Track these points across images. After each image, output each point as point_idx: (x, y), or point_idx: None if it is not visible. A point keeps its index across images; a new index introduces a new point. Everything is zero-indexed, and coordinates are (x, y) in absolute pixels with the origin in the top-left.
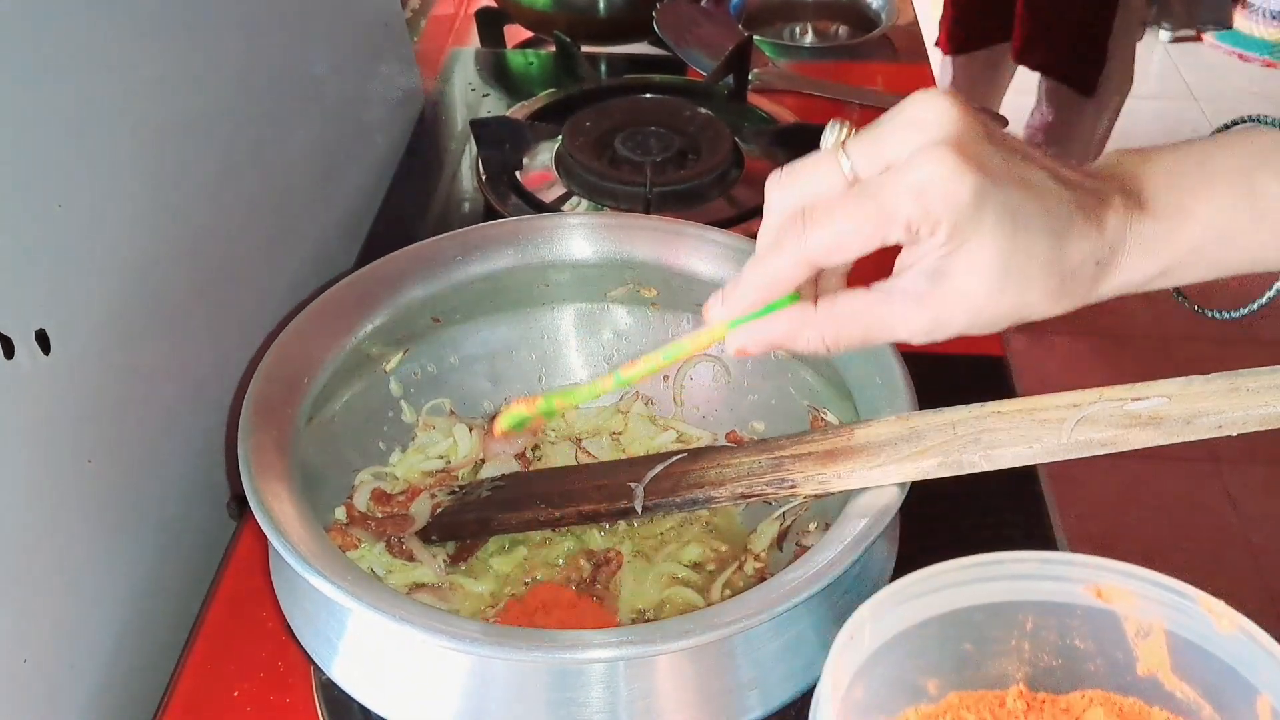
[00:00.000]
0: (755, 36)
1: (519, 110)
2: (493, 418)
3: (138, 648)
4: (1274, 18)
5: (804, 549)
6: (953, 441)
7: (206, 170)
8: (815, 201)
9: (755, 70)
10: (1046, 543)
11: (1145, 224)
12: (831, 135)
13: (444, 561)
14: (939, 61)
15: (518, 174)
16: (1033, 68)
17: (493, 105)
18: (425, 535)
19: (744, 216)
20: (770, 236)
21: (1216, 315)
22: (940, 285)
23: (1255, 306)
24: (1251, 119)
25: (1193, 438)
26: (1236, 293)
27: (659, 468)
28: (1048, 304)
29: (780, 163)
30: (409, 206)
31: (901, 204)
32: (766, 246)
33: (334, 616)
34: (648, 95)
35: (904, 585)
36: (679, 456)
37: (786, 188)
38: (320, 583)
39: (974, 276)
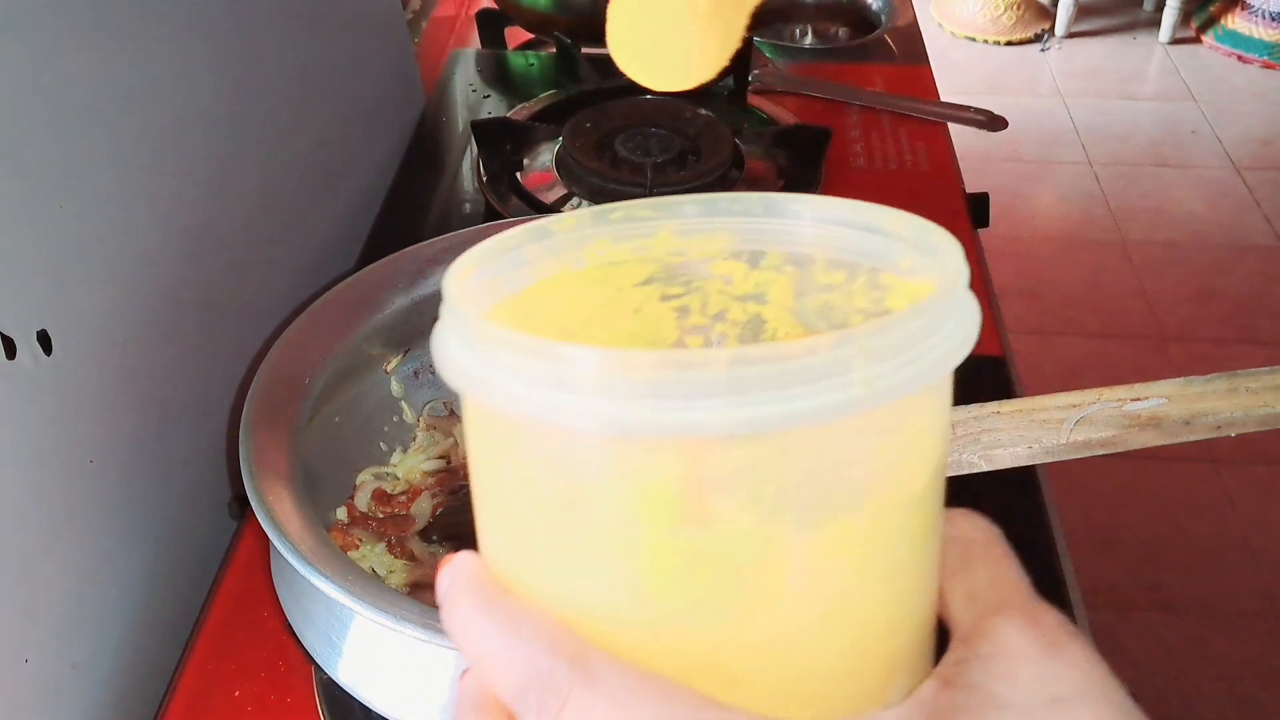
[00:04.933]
0: (755, 38)
1: (520, 112)
2: None
3: (139, 647)
4: (1273, 19)
5: None
6: (952, 442)
7: (208, 171)
8: None
9: (755, 71)
10: (1046, 543)
11: None
12: None
13: None
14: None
15: (518, 175)
16: None
17: (493, 106)
18: (426, 535)
19: None
20: None
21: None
22: None
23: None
24: None
25: (1192, 438)
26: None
27: None
28: None
29: (780, 164)
30: (410, 208)
31: None
32: None
33: (335, 616)
34: (648, 96)
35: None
36: None
37: None
38: (321, 583)
39: None
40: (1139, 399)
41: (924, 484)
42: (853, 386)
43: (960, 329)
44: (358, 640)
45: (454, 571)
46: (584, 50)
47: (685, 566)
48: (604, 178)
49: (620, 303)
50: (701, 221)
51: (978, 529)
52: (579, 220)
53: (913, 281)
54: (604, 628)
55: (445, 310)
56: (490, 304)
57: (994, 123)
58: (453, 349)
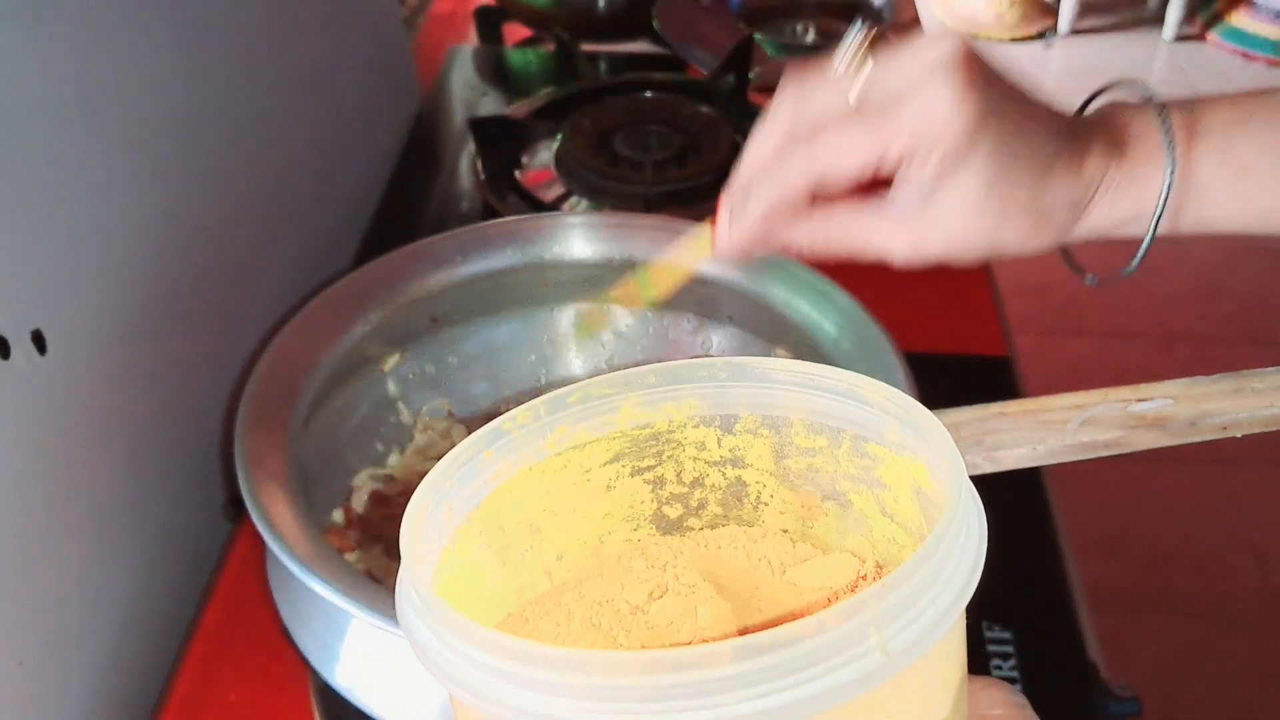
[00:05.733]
0: (756, 34)
1: (518, 109)
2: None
3: (134, 651)
4: (1279, 16)
5: None
6: (956, 443)
7: (202, 170)
8: (824, 120)
9: (756, 68)
10: (1050, 546)
11: (1121, 169)
12: (846, 53)
13: None
14: None
15: (516, 173)
16: None
17: (491, 104)
18: None
19: None
20: (772, 145)
21: (1091, 279)
22: (926, 209)
23: (1129, 269)
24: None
25: (1197, 439)
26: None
27: None
28: (1022, 240)
29: None
30: (407, 206)
31: (902, 130)
32: (770, 155)
33: (331, 620)
34: (648, 94)
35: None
36: None
37: (798, 103)
38: (318, 586)
39: (957, 205)
40: (1144, 399)
41: (949, 710)
42: (871, 655)
43: (971, 546)
44: (354, 644)
45: None
46: (583, 47)
47: None
48: (603, 175)
49: (589, 485)
50: (665, 391)
51: (1000, 702)
52: (533, 412)
53: (903, 457)
54: None
55: (405, 579)
56: (453, 528)
57: None
58: (421, 636)
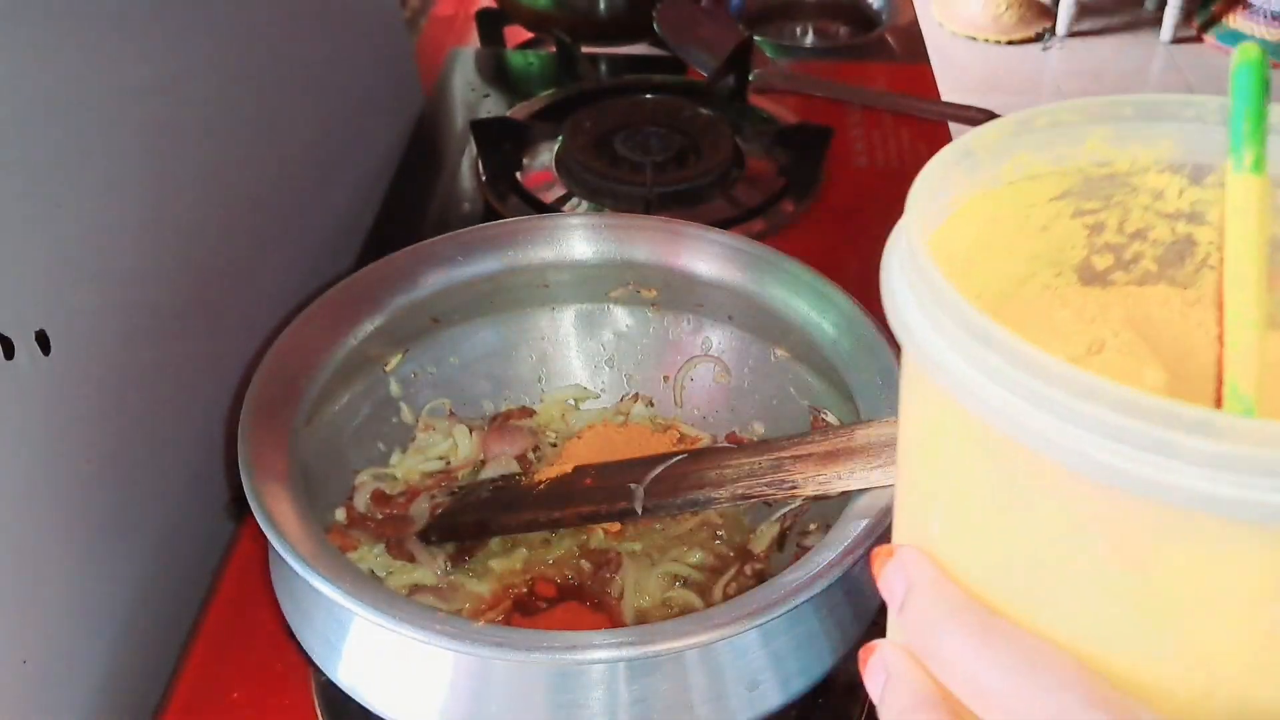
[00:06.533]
0: (756, 36)
1: (519, 110)
2: (493, 419)
3: (137, 649)
4: (1275, 18)
5: (805, 550)
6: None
7: (205, 171)
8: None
9: (756, 70)
10: None
11: None
12: None
13: (444, 563)
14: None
15: (517, 174)
16: None
17: (492, 105)
18: (425, 536)
19: (744, 216)
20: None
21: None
22: None
23: None
24: None
25: None
26: None
27: (659, 469)
28: None
29: (781, 163)
30: (408, 207)
31: None
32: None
33: (334, 618)
34: (648, 95)
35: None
36: (679, 457)
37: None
38: (320, 584)
39: None
40: None
41: None
42: None
43: None
44: (357, 642)
45: (915, 578)
46: (583, 49)
47: (1265, 642)
48: (604, 176)
49: (1027, 223)
50: (1140, 126)
51: None
52: (1000, 133)
53: None
54: (1140, 688)
55: (928, 292)
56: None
57: None
58: (912, 312)
